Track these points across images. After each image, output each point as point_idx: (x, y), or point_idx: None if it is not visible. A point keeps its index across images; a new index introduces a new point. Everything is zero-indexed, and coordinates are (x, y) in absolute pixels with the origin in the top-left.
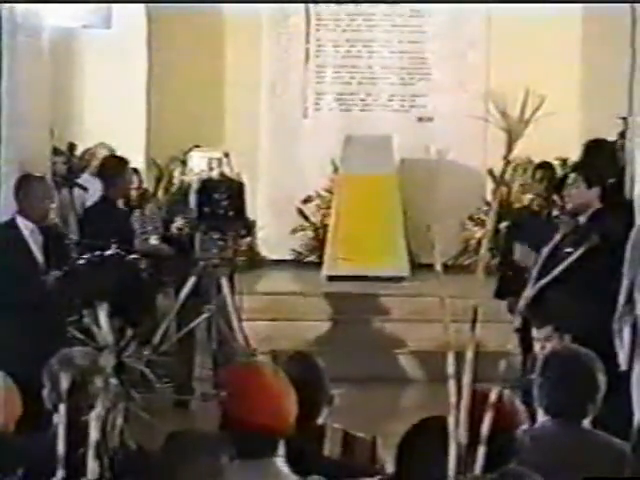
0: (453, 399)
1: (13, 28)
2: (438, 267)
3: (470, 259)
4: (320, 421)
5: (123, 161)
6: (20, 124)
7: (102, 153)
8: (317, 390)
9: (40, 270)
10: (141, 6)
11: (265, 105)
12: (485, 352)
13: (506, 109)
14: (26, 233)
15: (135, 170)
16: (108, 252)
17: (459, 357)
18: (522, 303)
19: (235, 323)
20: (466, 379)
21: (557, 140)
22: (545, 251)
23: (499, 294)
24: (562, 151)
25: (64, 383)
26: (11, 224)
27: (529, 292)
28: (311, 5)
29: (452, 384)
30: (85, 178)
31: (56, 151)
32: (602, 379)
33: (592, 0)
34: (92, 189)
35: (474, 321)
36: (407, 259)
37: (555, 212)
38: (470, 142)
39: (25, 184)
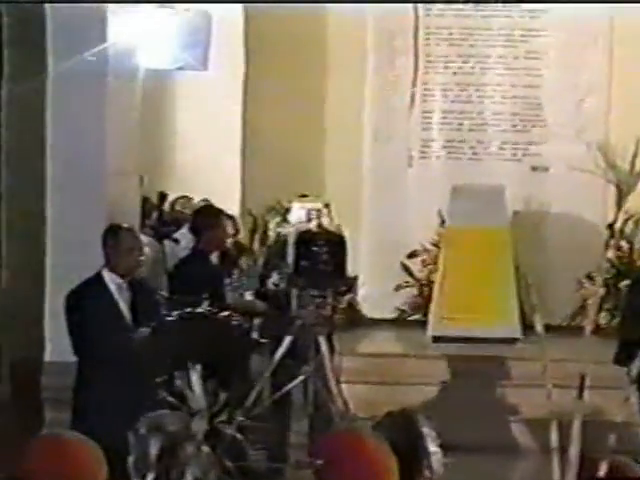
0: (557, 475)
1: (103, 69)
2: (539, 329)
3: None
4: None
5: (217, 212)
6: (108, 171)
7: (195, 204)
8: (417, 449)
9: (127, 327)
10: (239, 47)
11: (368, 153)
12: (604, 422)
13: (616, 161)
14: (113, 288)
15: (231, 217)
16: (200, 309)
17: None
18: (634, 371)
19: (333, 386)
20: (573, 451)
21: None
22: None
23: (618, 360)
24: None
25: (153, 450)
26: (97, 278)
27: None
28: (420, 45)
29: (556, 458)
30: (182, 233)
31: (146, 201)
32: None
33: None
34: (185, 241)
35: (581, 389)
36: (519, 319)
37: None
38: (589, 194)
39: (113, 235)
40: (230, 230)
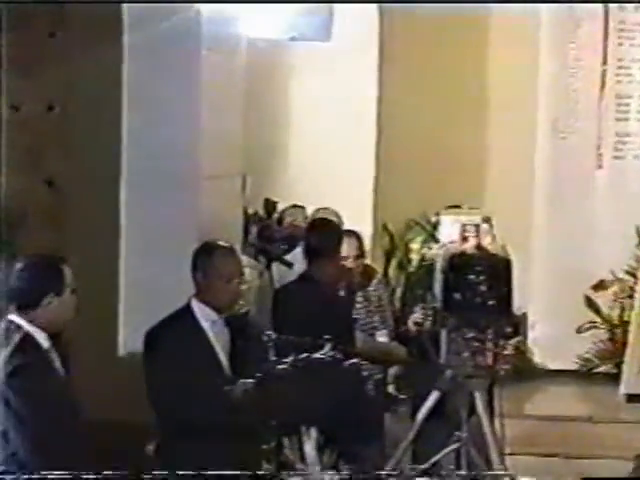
0: None
1: (195, 40)
2: None
3: None
4: None
5: (337, 225)
6: (202, 172)
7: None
8: None
9: (224, 378)
10: (373, 13)
11: (542, 151)
12: None
13: None
14: (206, 325)
15: (354, 234)
16: (319, 354)
17: None
18: None
19: (494, 457)
20: None
21: None
22: None
23: None
24: None
25: None
26: (185, 313)
27: None
28: (611, 8)
29: None
30: (295, 253)
31: (249, 211)
32: None
33: None
34: (297, 264)
35: None
36: None
37: None
38: None
39: (206, 257)
40: (353, 251)
